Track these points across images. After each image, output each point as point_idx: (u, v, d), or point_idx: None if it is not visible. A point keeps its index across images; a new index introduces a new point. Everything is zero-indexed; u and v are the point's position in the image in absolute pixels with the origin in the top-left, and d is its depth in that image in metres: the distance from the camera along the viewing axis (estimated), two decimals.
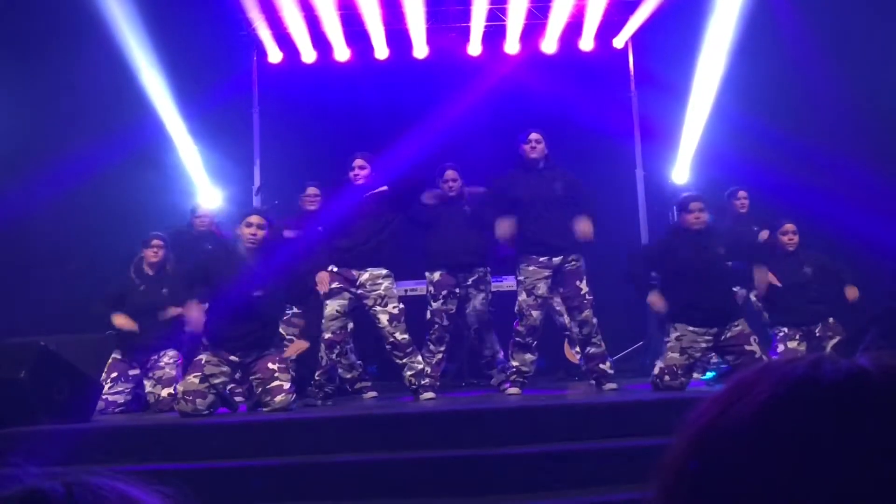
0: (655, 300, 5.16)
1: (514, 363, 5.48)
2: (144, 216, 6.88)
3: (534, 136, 5.56)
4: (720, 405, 0.60)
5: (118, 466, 3.42)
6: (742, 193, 6.82)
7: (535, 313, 5.41)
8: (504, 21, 8.40)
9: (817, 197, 6.49)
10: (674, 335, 5.02)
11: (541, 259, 5.40)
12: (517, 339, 5.47)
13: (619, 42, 8.67)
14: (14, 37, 7.45)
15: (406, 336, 5.38)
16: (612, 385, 5.40)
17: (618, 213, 7.68)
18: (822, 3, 7.45)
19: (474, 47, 8.54)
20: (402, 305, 5.50)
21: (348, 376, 5.75)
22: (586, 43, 8.54)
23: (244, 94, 8.63)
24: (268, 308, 5.09)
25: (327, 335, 5.44)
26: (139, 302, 5.88)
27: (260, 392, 4.96)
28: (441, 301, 5.87)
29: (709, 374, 5.95)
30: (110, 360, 5.86)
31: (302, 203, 6.47)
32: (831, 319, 5.82)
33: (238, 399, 5.39)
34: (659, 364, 5.05)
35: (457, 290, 5.93)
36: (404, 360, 5.37)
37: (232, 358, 4.99)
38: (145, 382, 5.87)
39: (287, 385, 4.92)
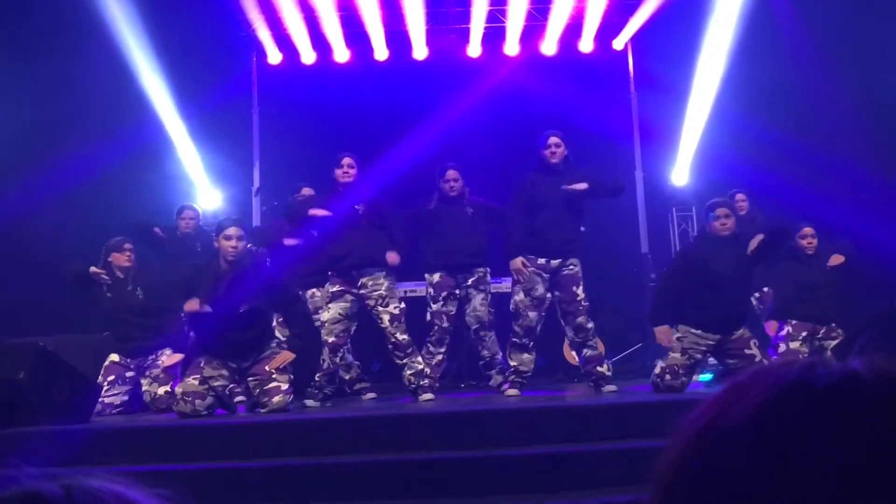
0: (663, 336, 4.99)
1: (513, 363, 5.48)
2: (144, 216, 6.87)
3: (553, 139, 5.44)
4: (718, 407, 0.61)
5: (117, 467, 3.41)
6: (741, 196, 6.81)
7: (531, 314, 5.40)
8: (504, 22, 8.41)
9: (817, 198, 6.49)
10: (675, 335, 5.02)
11: (539, 260, 5.40)
12: (514, 339, 5.48)
13: (618, 44, 8.68)
14: (14, 37, 7.45)
15: (406, 336, 5.39)
16: (612, 387, 5.39)
17: (617, 214, 7.67)
18: (821, 3, 7.45)
19: (474, 49, 8.54)
20: (402, 305, 5.51)
21: (347, 377, 5.76)
22: (586, 44, 8.55)
23: (244, 95, 8.63)
24: (256, 319, 5.04)
25: (330, 339, 5.44)
26: (132, 303, 5.89)
27: (258, 393, 4.96)
28: (441, 302, 5.87)
29: (705, 376, 5.96)
30: (107, 363, 5.84)
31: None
32: (833, 325, 5.83)
33: (240, 399, 5.39)
34: (660, 364, 5.05)
35: (457, 292, 5.93)
36: (404, 360, 5.38)
37: (230, 364, 5.00)
38: (142, 381, 5.87)
39: (285, 386, 4.92)
